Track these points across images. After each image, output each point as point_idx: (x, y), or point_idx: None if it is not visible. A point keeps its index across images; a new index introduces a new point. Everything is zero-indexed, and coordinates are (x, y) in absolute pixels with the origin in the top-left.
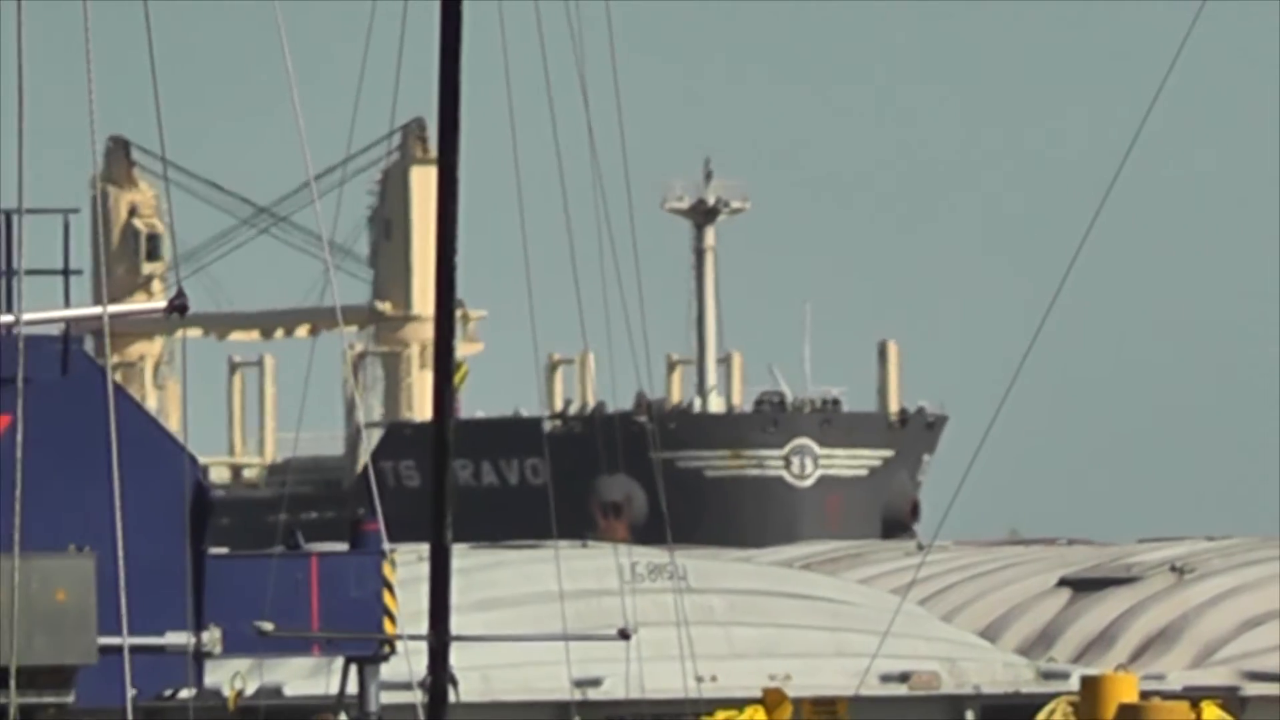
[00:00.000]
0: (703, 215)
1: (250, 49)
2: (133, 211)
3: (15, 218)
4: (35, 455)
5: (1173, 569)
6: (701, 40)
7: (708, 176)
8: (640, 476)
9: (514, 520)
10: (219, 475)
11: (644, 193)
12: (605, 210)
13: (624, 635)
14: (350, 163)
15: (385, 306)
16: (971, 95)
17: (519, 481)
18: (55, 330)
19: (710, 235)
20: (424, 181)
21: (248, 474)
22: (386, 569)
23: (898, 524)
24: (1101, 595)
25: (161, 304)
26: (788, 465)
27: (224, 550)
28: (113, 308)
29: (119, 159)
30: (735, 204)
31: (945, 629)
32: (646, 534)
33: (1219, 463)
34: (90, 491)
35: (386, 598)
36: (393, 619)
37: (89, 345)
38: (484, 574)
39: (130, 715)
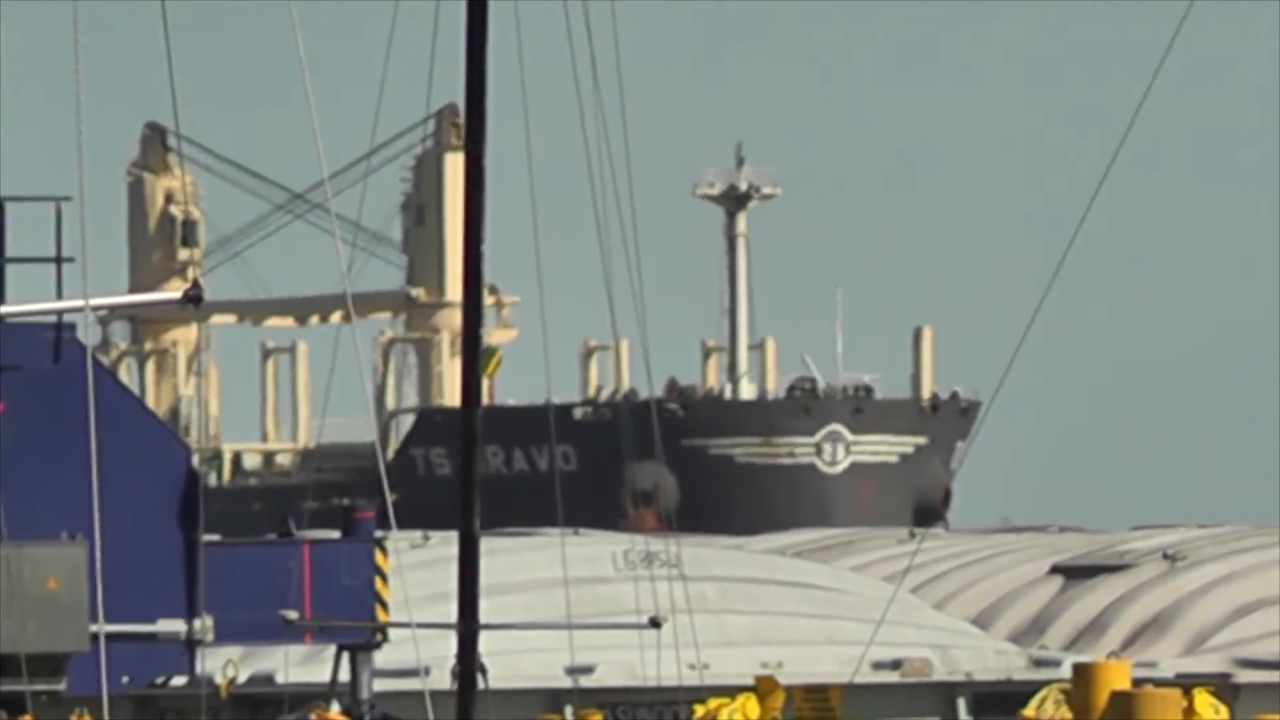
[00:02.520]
0: (734, 201)
1: (286, 36)
2: (169, 198)
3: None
4: (27, 443)
5: (1165, 556)
6: (734, 28)
7: (739, 163)
8: (671, 464)
9: (544, 508)
10: (251, 462)
11: (676, 179)
12: (629, 198)
13: (655, 624)
14: (384, 149)
15: (418, 292)
16: (1006, 83)
17: (550, 469)
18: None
19: (742, 221)
20: (457, 167)
21: (280, 460)
22: (379, 556)
23: (930, 511)
24: (1093, 583)
25: (175, 295)
26: (819, 452)
27: (216, 537)
28: (96, 299)
29: (154, 145)
30: (767, 190)
31: (937, 616)
32: (678, 522)
33: (1211, 450)
34: (82, 480)
35: (379, 585)
36: (385, 606)
37: (122, 332)
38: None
39: (106, 703)
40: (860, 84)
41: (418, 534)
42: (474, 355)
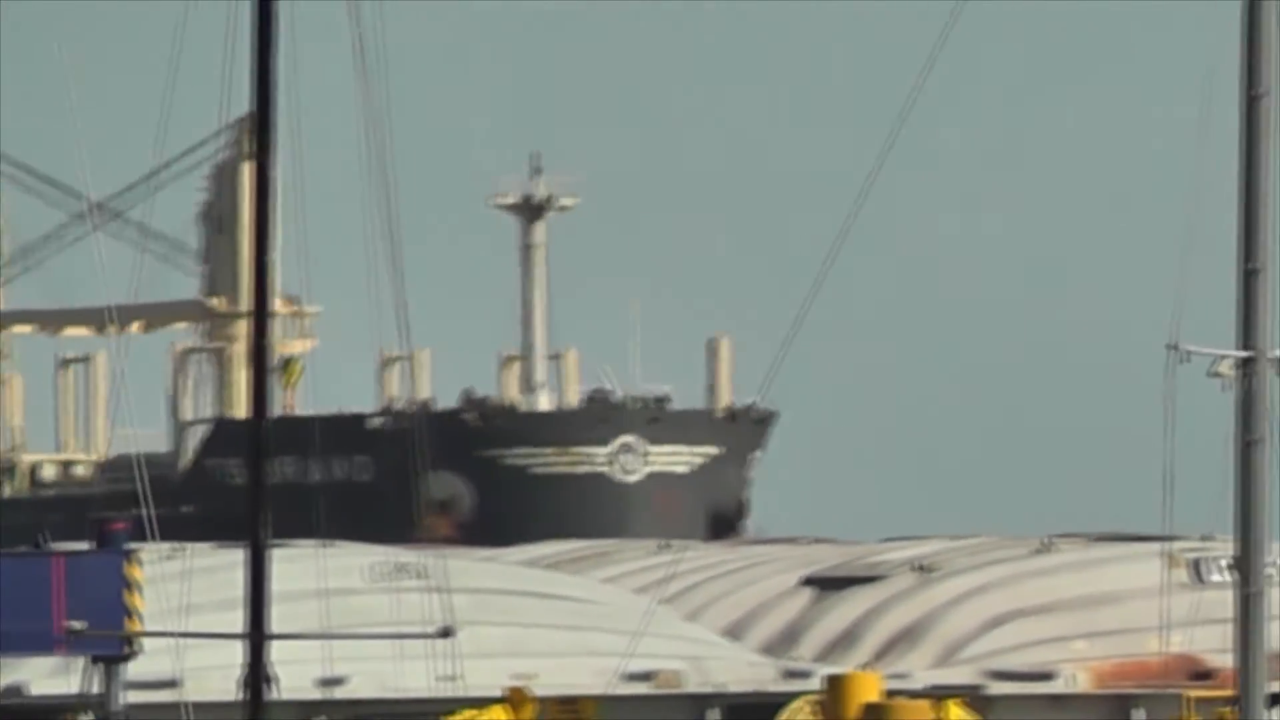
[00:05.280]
0: (531, 211)
1: (89, 46)
2: None
3: None
4: None
5: (916, 568)
6: (532, 38)
7: (536, 173)
8: (467, 474)
9: (341, 517)
10: (49, 472)
11: (474, 189)
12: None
13: (446, 633)
14: (185, 158)
15: (216, 303)
16: (803, 92)
17: (346, 478)
18: None
19: (539, 231)
20: (254, 177)
21: (77, 471)
22: (130, 568)
23: (725, 521)
24: (845, 594)
25: None
26: (614, 462)
27: None
28: None
29: None
30: (564, 200)
31: (690, 628)
32: (473, 532)
33: (963, 463)
34: None
35: (130, 596)
36: (136, 617)
37: None
38: (227, 573)
39: None
40: (658, 95)
41: (167, 546)
42: (262, 366)
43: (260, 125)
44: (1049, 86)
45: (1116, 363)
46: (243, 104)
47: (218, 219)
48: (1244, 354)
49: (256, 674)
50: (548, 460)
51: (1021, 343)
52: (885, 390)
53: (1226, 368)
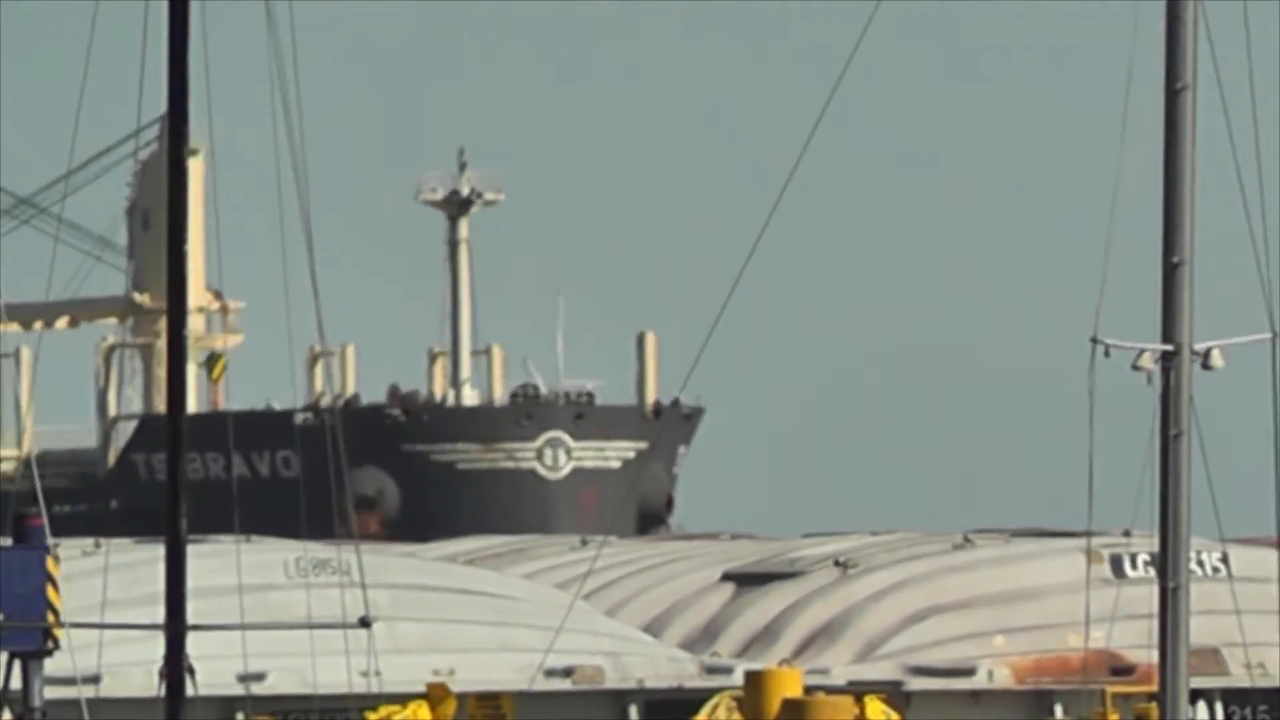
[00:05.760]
0: (456, 207)
1: (12, 39)
2: None
3: None
4: None
5: (836, 564)
6: (457, 32)
7: (462, 168)
8: (393, 470)
9: (265, 513)
10: None
11: (399, 184)
12: (306, 199)
13: (365, 624)
14: (111, 152)
15: (143, 298)
16: (725, 82)
17: (271, 474)
18: None
19: (464, 227)
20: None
21: (2, 466)
22: (50, 563)
23: (653, 516)
24: (765, 590)
25: None
26: (540, 458)
27: None
28: None
29: None
30: (489, 195)
31: (609, 624)
32: (399, 528)
33: (882, 458)
34: None
35: (50, 592)
36: (56, 613)
37: None
38: (149, 568)
39: None
40: (583, 88)
41: (89, 541)
42: (179, 360)
43: (173, 120)
44: (968, 80)
45: (1039, 357)
46: (163, 100)
47: (144, 215)
48: (1165, 347)
49: (175, 666)
50: (474, 456)
51: (942, 337)
52: (805, 386)
53: (1148, 361)
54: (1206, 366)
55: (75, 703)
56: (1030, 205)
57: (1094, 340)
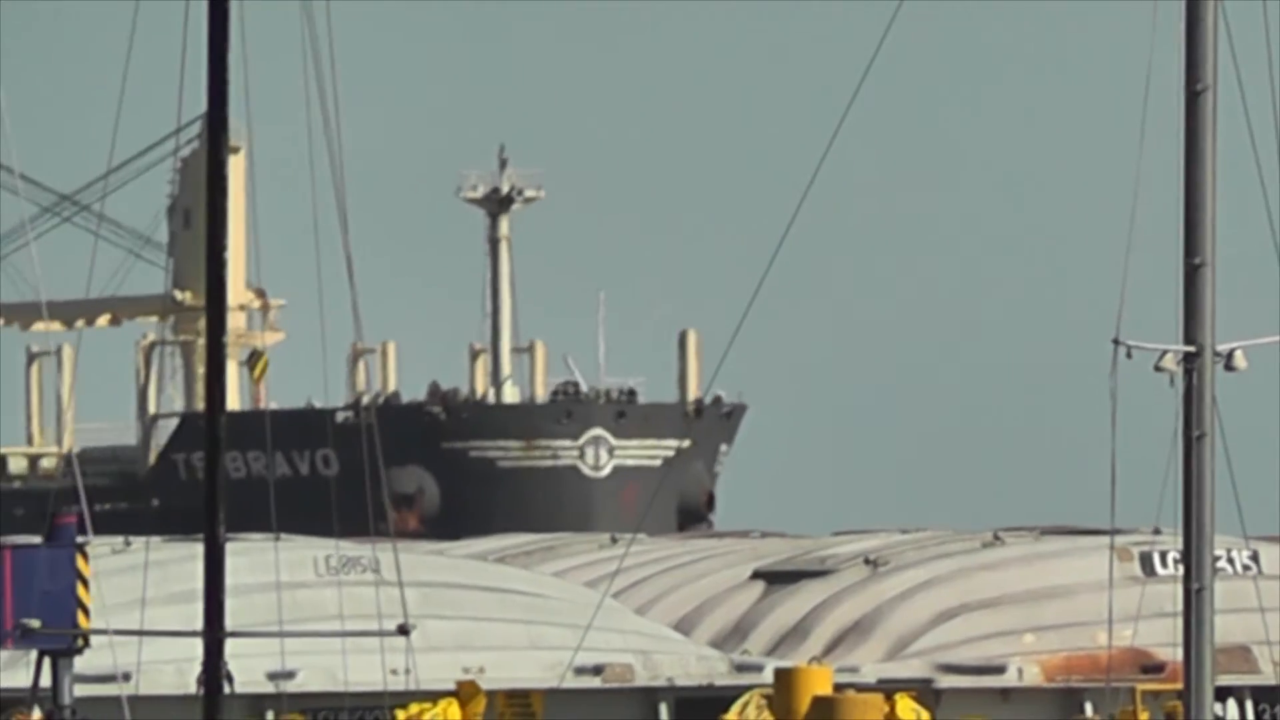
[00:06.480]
0: (497, 204)
1: (56, 37)
2: None
3: None
4: None
5: (866, 561)
6: (498, 30)
7: (503, 165)
8: (433, 467)
9: (305, 512)
10: (17, 466)
11: (440, 182)
12: (343, 198)
13: (404, 631)
14: (152, 150)
15: (184, 296)
16: (764, 78)
17: (311, 472)
18: None
19: (505, 224)
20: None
21: (45, 464)
22: (80, 562)
23: (694, 514)
24: (795, 588)
25: None
26: (582, 456)
27: None
28: None
29: None
30: (530, 192)
31: (639, 621)
32: (439, 526)
33: (913, 456)
34: None
35: (80, 590)
36: (86, 612)
37: None
38: (179, 566)
39: None
40: (624, 86)
41: (119, 539)
42: (217, 358)
43: (213, 120)
44: (986, 82)
45: (1064, 358)
46: (204, 98)
47: (185, 213)
48: (1188, 348)
49: (212, 672)
50: (514, 454)
51: (970, 337)
52: (836, 385)
53: (1171, 362)
54: (1229, 367)
55: (107, 700)
56: (1054, 208)
57: (1115, 342)
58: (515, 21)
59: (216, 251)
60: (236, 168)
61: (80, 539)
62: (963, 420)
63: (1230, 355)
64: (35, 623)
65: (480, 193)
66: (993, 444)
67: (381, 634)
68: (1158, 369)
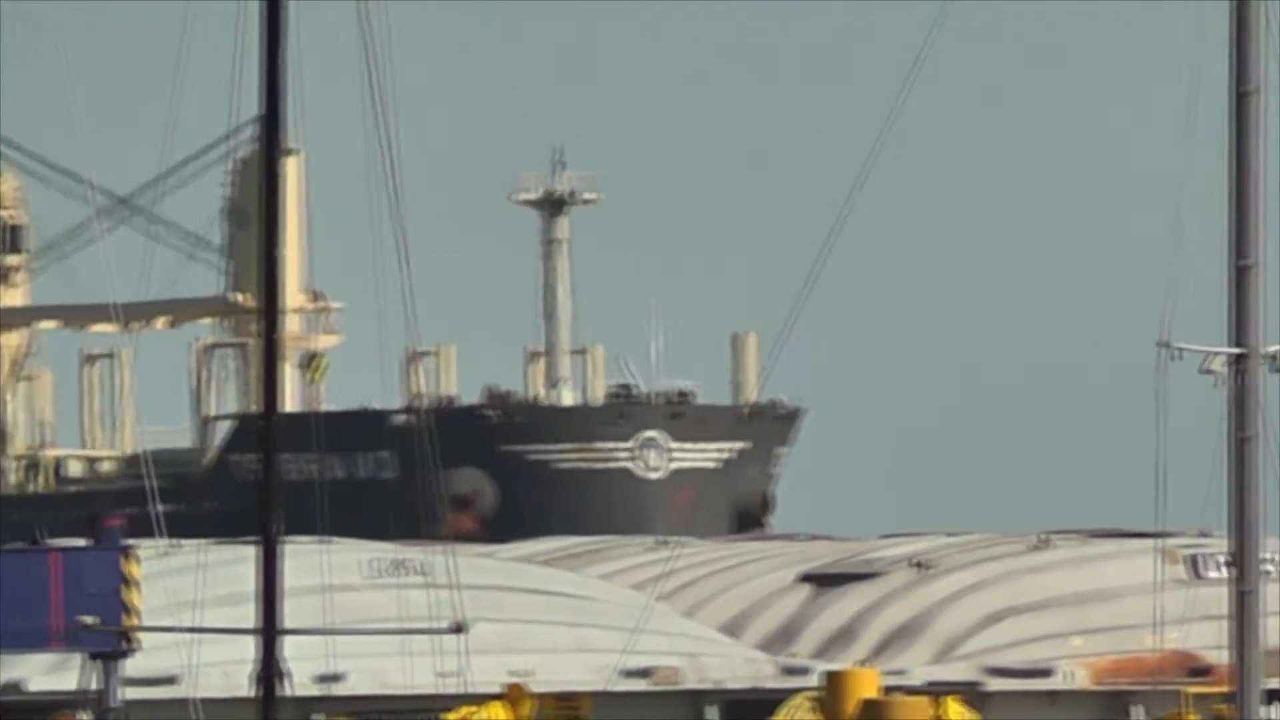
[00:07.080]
0: (553, 206)
1: (111, 40)
2: None
3: None
4: None
5: (914, 564)
6: (555, 34)
7: (559, 168)
8: (488, 469)
9: (362, 514)
10: (75, 468)
11: (495, 184)
12: (398, 204)
13: (458, 629)
14: (208, 152)
15: (240, 298)
16: (823, 87)
17: (367, 475)
18: None
19: (561, 226)
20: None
21: (103, 466)
22: (127, 564)
23: (749, 516)
24: (843, 591)
25: None
26: (635, 458)
27: None
28: None
29: None
30: (587, 195)
31: (687, 624)
32: (495, 528)
33: (960, 460)
34: None
35: (127, 592)
36: (133, 613)
37: None
38: (225, 569)
39: None
40: (681, 89)
41: (165, 541)
42: (272, 360)
43: (269, 122)
44: (1038, 85)
45: (1111, 360)
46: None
47: (241, 214)
48: (1235, 350)
49: (269, 670)
50: (570, 456)
51: (1017, 342)
52: (884, 389)
53: (1218, 364)
54: (1278, 370)
55: (156, 703)
56: (1100, 211)
57: (1162, 344)
58: (572, 25)
59: (271, 254)
60: (292, 170)
61: (127, 541)
62: (1010, 423)
63: (1278, 357)
64: (90, 619)
65: (535, 195)
66: (1040, 447)
67: (434, 632)
68: (1204, 371)
